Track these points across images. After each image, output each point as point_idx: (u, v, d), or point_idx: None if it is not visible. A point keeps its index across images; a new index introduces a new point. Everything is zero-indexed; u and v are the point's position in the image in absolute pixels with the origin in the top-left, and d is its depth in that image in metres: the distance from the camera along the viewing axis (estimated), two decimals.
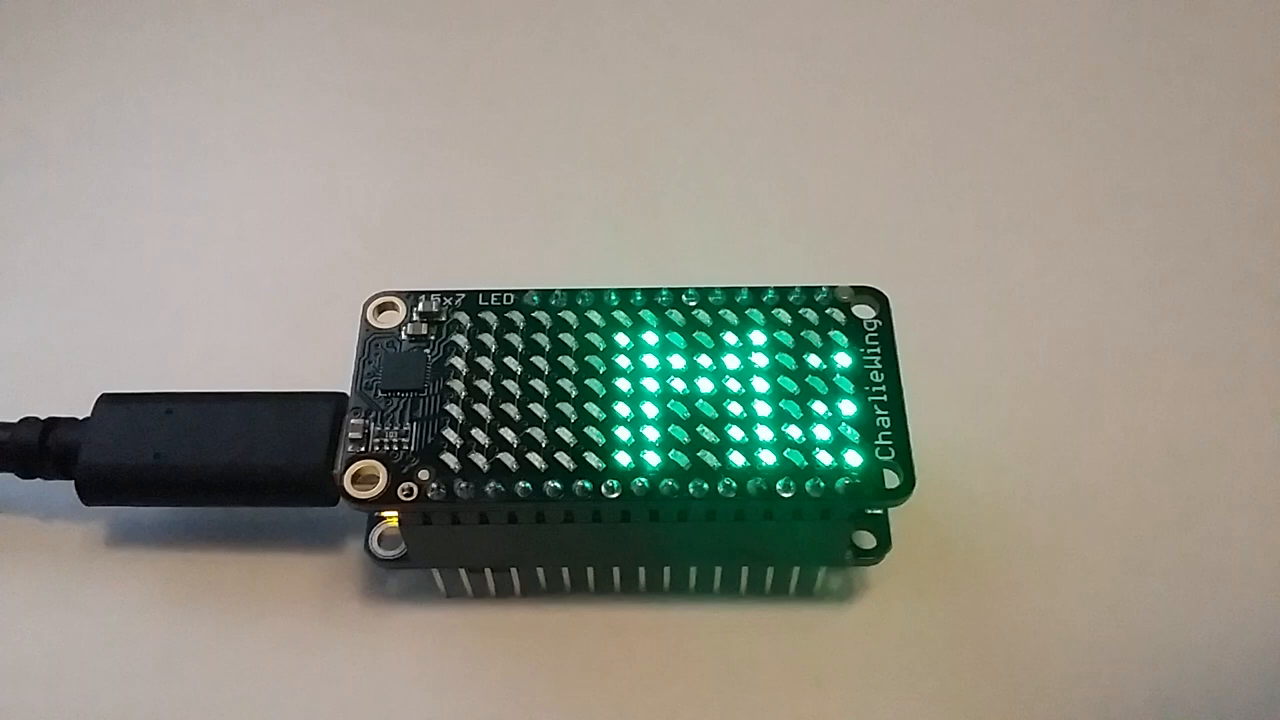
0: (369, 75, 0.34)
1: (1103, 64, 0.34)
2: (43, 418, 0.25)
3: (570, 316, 0.24)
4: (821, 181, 0.32)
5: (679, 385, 0.23)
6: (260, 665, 0.24)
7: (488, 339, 0.24)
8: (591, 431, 0.22)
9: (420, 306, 0.24)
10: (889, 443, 0.22)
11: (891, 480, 0.22)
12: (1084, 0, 0.36)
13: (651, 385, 0.23)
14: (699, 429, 0.22)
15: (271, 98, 0.34)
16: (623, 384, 0.23)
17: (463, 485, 0.22)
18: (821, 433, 0.22)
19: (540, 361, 0.23)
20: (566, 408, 0.23)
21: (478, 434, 0.23)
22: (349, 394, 0.23)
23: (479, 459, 0.22)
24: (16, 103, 0.33)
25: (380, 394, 0.23)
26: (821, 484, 0.22)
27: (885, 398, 0.23)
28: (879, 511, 0.24)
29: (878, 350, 0.23)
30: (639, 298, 0.24)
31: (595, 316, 0.24)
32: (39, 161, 0.32)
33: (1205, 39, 0.35)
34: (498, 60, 0.34)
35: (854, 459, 0.22)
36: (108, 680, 0.24)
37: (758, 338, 0.23)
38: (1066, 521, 0.26)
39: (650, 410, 0.23)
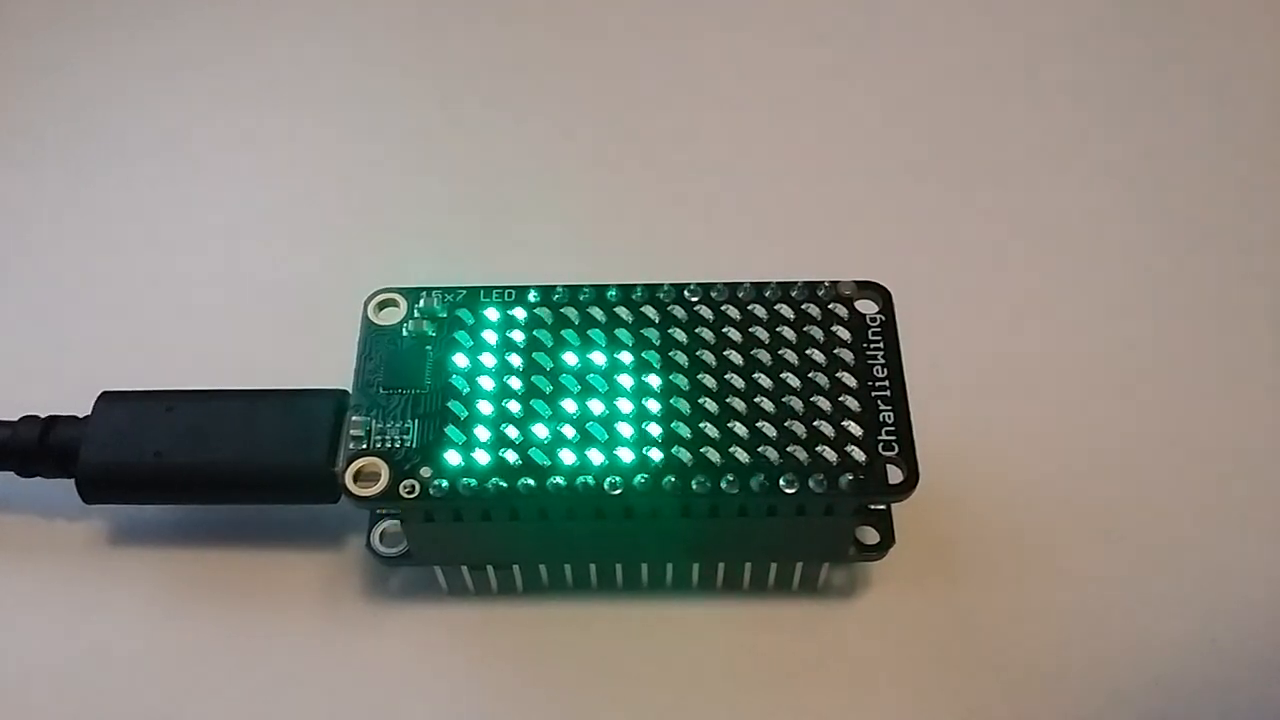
0: (369, 73, 0.34)
1: (1105, 59, 0.34)
2: (43, 416, 0.25)
3: (572, 312, 0.24)
4: (824, 176, 0.32)
5: (682, 381, 0.23)
6: (262, 663, 0.24)
7: (490, 335, 0.24)
8: (594, 427, 0.22)
9: (422, 303, 0.24)
10: (892, 438, 0.22)
11: (895, 475, 0.22)
12: None
13: (654, 381, 0.23)
14: (702, 425, 0.22)
15: (272, 97, 0.34)
16: (625, 380, 0.23)
17: (465, 482, 0.22)
18: (825, 428, 0.22)
19: (542, 357, 0.23)
20: (569, 403, 0.23)
21: (480, 430, 0.22)
22: (350, 391, 0.23)
23: (481, 455, 0.22)
24: (15, 103, 0.33)
25: (382, 391, 0.23)
26: (825, 480, 0.22)
27: (888, 393, 0.23)
28: (882, 507, 0.24)
29: (880, 345, 0.23)
30: (641, 293, 0.24)
31: (597, 312, 0.24)
32: (38, 161, 0.32)
33: (1207, 32, 0.34)
34: (497, 57, 0.34)
35: (857, 454, 0.22)
36: (109, 678, 0.24)
37: (760, 333, 0.23)
38: (1070, 517, 0.26)
39: (653, 406, 0.23)
